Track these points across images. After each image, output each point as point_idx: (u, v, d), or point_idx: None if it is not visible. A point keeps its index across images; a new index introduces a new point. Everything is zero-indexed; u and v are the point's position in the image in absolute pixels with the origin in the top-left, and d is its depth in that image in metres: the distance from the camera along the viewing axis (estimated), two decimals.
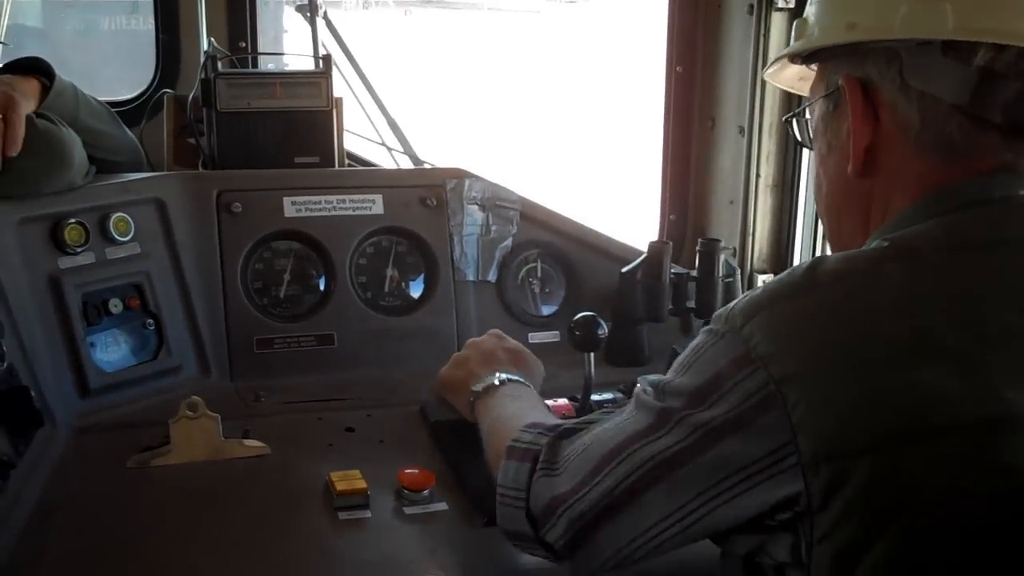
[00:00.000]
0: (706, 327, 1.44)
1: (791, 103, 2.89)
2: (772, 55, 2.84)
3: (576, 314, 2.25)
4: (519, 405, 1.94)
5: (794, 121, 1.70)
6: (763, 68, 2.84)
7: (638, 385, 1.52)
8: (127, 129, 2.77)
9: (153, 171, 2.81)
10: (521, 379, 2.06)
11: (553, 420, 1.76)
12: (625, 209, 4.77)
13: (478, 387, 2.05)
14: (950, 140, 1.42)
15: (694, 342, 1.44)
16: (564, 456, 1.55)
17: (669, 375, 1.45)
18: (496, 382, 2.04)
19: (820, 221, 1.65)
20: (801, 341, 1.31)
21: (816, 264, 1.39)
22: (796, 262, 2.96)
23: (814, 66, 1.61)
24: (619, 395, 2.27)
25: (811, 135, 1.64)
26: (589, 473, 1.47)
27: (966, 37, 1.37)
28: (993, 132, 1.40)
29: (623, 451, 1.43)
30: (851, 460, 1.26)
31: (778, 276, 1.43)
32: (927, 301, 1.32)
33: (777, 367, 1.30)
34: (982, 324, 1.30)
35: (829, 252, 1.60)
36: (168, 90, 3.07)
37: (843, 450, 1.26)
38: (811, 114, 1.63)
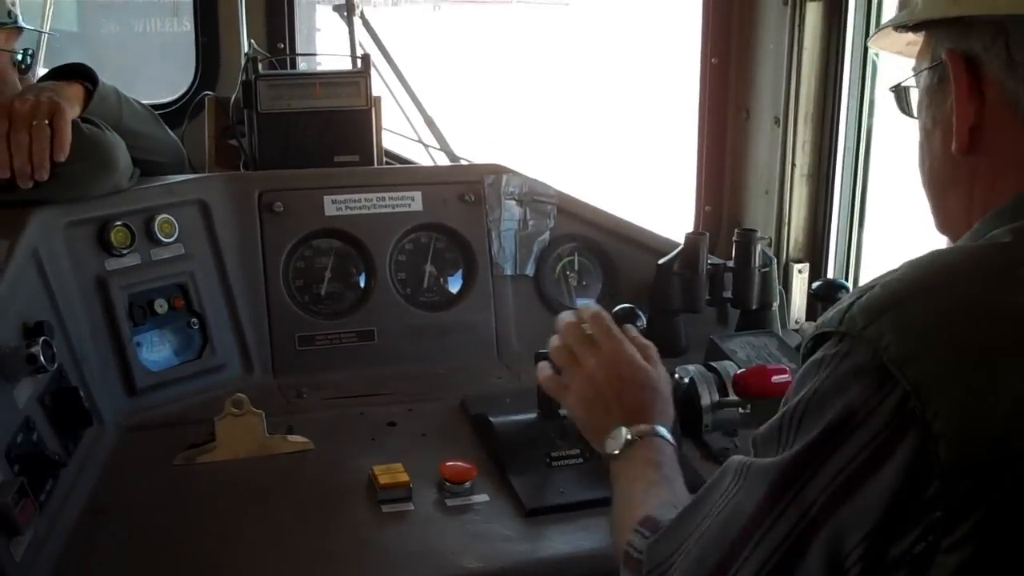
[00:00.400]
0: (813, 358, 1.29)
1: (826, 93, 2.90)
2: (807, 45, 2.85)
3: (613, 306, 2.27)
4: (646, 485, 1.72)
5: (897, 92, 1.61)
6: (797, 59, 2.86)
7: (735, 459, 1.37)
8: (169, 130, 2.81)
9: (195, 172, 2.85)
10: (657, 432, 1.81)
11: (665, 507, 1.59)
12: (661, 200, 4.78)
13: (608, 452, 1.80)
14: None
15: (803, 375, 1.30)
16: (668, 558, 1.41)
17: (788, 417, 1.29)
18: (616, 451, 1.79)
19: (924, 195, 1.54)
20: (941, 342, 1.19)
21: (937, 260, 1.29)
22: (832, 251, 2.96)
23: (921, 33, 1.50)
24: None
25: (914, 106, 1.55)
26: (715, 570, 1.32)
27: None
28: None
29: (752, 535, 1.28)
30: (993, 472, 1.15)
31: (892, 274, 1.29)
32: None
33: (914, 370, 1.17)
34: None
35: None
36: (209, 92, 3.11)
37: (986, 461, 1.15)
38: (917, 83, 1.53)
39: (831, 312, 1.29)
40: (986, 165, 1.42)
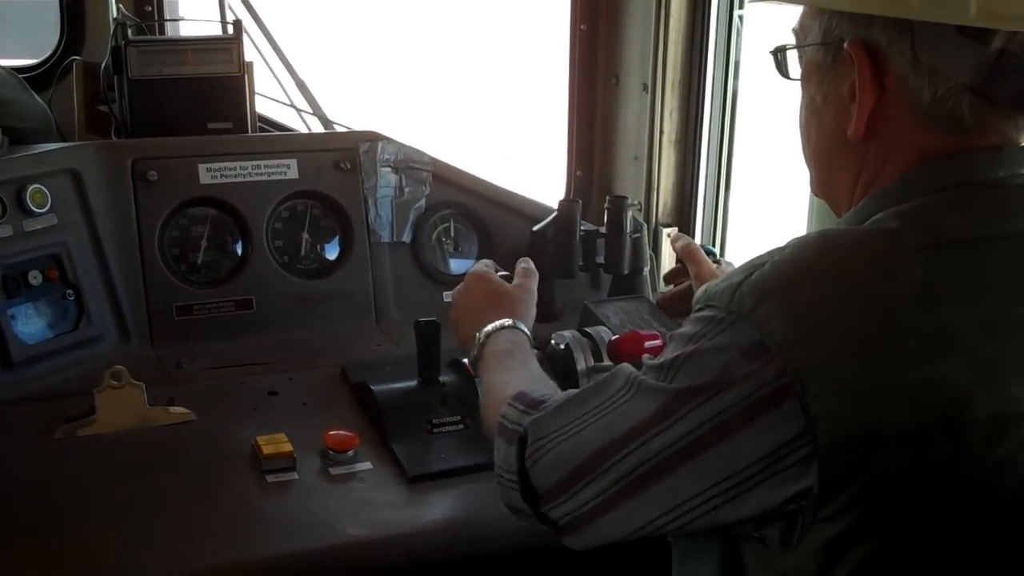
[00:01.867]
0: (704, 311, 1.36)
1: (692, 60, 2.96)
2: (674, 11, 2.90)
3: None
4: (504, 370, 1.86)
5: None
6: (664, 25, 2.90)
7: (626, 369, 1.46)
8: (35, 95, 2.76)
9: (63, 138, 2.81)
10: (505, 324, 1.98)
11: (539, 386, 1.70)
12: (535, 164, 4.83)
13: (472, 353, 1.98)
14: (960, 118, 1.37)
15: (692, 325, 1.37)
16: (552, 436, 1.49)
17: (669, 360, 1.37)
18: (476, 351, 1.96)
19: (807, 167, 1.62)
20: (824, 329, 1.26)
21: (826, 243, 1.36)
22: (699, 215, 3.04)
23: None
24: (534, 351, 2.33)
25: (792, 69, 1.56)
26: (589, 459, 1.42)
27: (988, 24, 1.28)
28: (1001, 111, 1.38)
29: (628, 443, 1.37)
30: (870, 452, 1.23)
31: (780, 252, 1.35)
32: (947, 295, 1.28)
33: (797, 357, 1.25)
34: (993, 318, 1.28)
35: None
36: (76, 57, 3.06)
37: (864, 442, 1.23)
38: (802, 51, 1.53)
39: (723, 284, 1.34)
40: (876, 149, 1.46)
